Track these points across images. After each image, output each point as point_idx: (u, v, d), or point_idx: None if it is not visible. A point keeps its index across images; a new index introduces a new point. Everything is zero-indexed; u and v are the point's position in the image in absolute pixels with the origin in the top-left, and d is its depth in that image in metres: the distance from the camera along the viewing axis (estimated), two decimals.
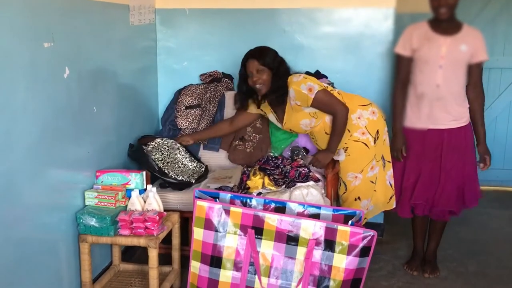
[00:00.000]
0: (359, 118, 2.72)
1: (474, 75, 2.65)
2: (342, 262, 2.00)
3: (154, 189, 2.43)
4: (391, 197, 2.82)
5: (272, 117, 2.83)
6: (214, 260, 2.09)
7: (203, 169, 3.00)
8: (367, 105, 2.77)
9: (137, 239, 2.27)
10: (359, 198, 2.77)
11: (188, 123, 3.20)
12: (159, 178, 2.82)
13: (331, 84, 3.03)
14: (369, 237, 1.99)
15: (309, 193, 2.55)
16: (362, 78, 3.13)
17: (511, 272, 2.94)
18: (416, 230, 2.93)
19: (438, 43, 2.59)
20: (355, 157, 2.74)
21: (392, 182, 2.81)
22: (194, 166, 2.98)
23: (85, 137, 2.41)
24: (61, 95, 2.18)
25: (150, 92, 3.33)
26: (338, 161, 2.80)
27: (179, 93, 3.27)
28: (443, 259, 3.02)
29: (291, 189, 2.59)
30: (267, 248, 2.05)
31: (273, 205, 2.22)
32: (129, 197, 2.40)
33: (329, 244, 2.01)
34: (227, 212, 2.07)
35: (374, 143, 2.72)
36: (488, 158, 2.73)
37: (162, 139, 2.97)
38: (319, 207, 2.18)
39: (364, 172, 2.73)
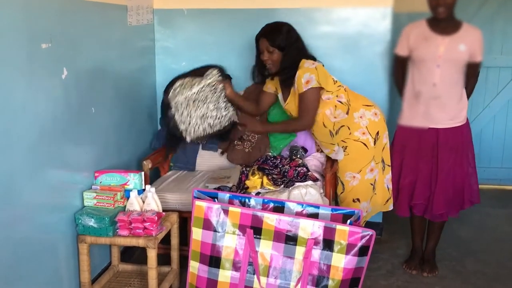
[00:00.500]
0: (361, 117, 2.71)
1: (473, 73, 2.66)
2: (340, 262, 2.00)
3: (153, 189, 2.43)
4: (387, 200, 2.83)
5: (280, 95, 2.81)
6: (213, 260, 2.09)
7: (227, 122, 2.88)
8: (370, 106, 2.76)
9: (136, 239, 2.27)
10: (358, 200, 2.76)
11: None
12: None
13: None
14: (368, 237, 1.99)
15: (307, 192, 2.55)
16: (360, 77, 3.13)
17: (510, 271, 2.94)
18: (415, 229, 2.94)
19: (436, 42, 2.59)
20: (354, 157, 2.73)
21: (390, 186, 2.81)
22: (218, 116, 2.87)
23: (84, 138, 2.41)
24: (59, 96, 2.18)
25: (149, 92, 3.33)
26: (336, 160, 2.80)
27: None
28: (442, 258, 3.02)
29: (290, 188, 2.59)
30: (266, 248, 2.06)
31: (271, 204, 2.22)
32: (128, 197, 2.40)
33: (328, 244, 2.01)
34: (226, 212, 2.08)
35: (374, 144, 2.71)
36: None
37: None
38: (317, 207, 2.18)
39: (363, 173, 2.72)
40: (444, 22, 2.60)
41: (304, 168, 2.71)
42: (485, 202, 3.08)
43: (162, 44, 3.37)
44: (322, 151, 3.03)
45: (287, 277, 2.04)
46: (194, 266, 2.14)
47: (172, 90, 2.82)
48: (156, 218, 2.28)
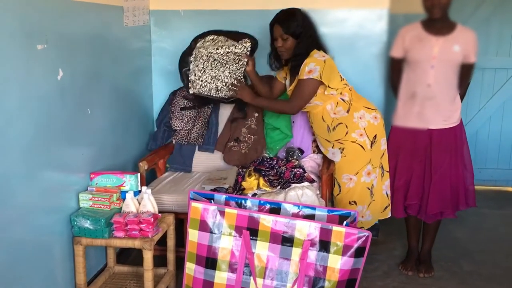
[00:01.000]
0: (360, 118, 2.71)
1: (466, 74, 2.67)
2: (337, 263, 2.00)
3: (149, 190, 2.42)
4: (386, 207, 2.82)
5: (287, 81, 2.81)
6: (209, 261, 2.09)
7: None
8: (372, 109, 2.76)
9: (132, 241, 2.27)
10: (354, 202, 2.76)
11: (183, 125, 3.19)
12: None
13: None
14: (364, 238, 1.99)
15: (304, 194, 2.56)
16: (357, 78, 3.13)
17: (506, 271, 2.95)
18: (410, 230, 2.94)
19: (430, 43, 2.60)
20: (350, 159, 2.72)
21: (389, 192, 2.80)
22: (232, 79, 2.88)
23: (79, 139, 2.40)
24: (54, 97, 2.17)
25: (145, 93, 3.33)
26: (333, 162, 2.80)
27: (173, 94, 3.27)
28: (438, 259, 3.03)
29: (286, 190, 2.59)
30: (262, 249, 2.05)
31: (268, 206, 2.22)
32: (124, 199, 2.39)
33: (324, 245, 2.01)
34: (222, 213, 2.07)
35: (371, 147, 2.70)
36: None
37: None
38: (314, 208, 2.18)
39: (359, 175, 2.72)
40: (438, 23, 2.61)
41: (301, 170, 2.71)
42: (481, 203, 3.09)
43: (159, 45, 3.36)
44: (318, 152, 3.04)
45: (283, 279, 2.04)
46: (190, 267, 2.13)
47: (202, 41, 2.85)
48: (152, 219, 2.27)
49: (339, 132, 2.71)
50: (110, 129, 2.76)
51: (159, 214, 2.41)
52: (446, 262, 3.04)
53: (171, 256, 2.60)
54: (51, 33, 2.12)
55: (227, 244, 2.08)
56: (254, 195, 2.56)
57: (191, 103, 3.14)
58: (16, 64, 1.91)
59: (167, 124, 3.22)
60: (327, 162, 2.83)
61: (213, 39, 2.86)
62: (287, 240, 2.04)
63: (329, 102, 2.66)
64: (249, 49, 2.86)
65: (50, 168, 2.16)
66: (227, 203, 2.21)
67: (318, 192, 2.66)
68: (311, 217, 2.14)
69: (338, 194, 2.80)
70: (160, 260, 2.65)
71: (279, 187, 2.61)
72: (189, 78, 2.85)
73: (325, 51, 2.67)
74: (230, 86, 2.84)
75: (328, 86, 2.61)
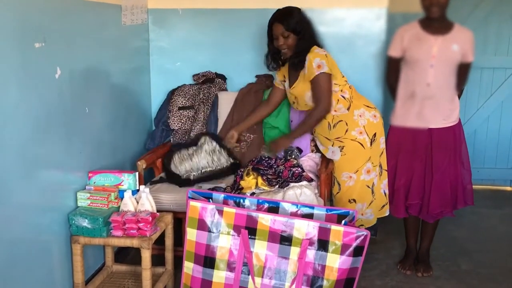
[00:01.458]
0: (360, 116, 2.72)
1: (464, 73, 2.67)
2: (335, 262, 2.00)
3: (147, 189, 2.42)
4: (383, 206, 2.82)
5: (286, 83, 2.82)
6: (208, 260, 2.09)
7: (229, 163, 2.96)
8: (371, 107, 2.78)
9: (130, 240, 2.26)
10: (354, 200, 2.76)
11: (181, 124, 3.19)
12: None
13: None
14: (362, 237, 1.99)
15: (302, 193, 2.55)
16: (355, 77, 3.12)
17: (504, 270, 2.95)
18: (409, 229, 2.95)
19: (429, 42, 2.61)
20: (350, 157, 2.73)
21: (387, 191, 2.81)
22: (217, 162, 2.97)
23: (77, 138, 2.40)
24: (52, 96, 2.17)
25: (143, 92, 3.32)
26: (331, 160, 2.80)
27: (172, 93, 3.26)
28: (436, 258, 3.03)
29: (285, 189, 2.58)
30: (260, 248, 2.05)
31: (266, 205, 2.21)
32: (122, 198, 2.39)
33: (323, 244, 2.01)
34: (220, 212, 2.07)
35: (370, 145, 2.71)
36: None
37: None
38: (312, 207, 2.18)
39: (359, 173, 2.72)
40: (436, 22, 2.61)
41: (299, 169, 2.70)
42: (479, 203, 3.10)
43: (157, 44, 3.36)
44: (316, 152, 3.04)
45: (281, 278, 2.04)
46: (188, 266, 2.13)
47: (172, 165, 2.90)
48: (150, 218, 2.27)
49: (339, 130, 2.72)
50: (108, 127, 2.75)
51: (157, 213, 2.40)
52: (444, 261, 3.04)
53: (169, 255, 2.59)
54: (49, 31, 2.11)
55: (225, 243, 2.07)
56: (253, 194, 2.55)
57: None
58: (14, 62, 1.90)
59: (165, 123, 3.21)
60: (326, 161, 2.83)
61: (179, 157, 2.94)
62: (285, 239, 2.04)
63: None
64: (211, 140, 3.00)
65: (47, 167, 2.16)
66: (225, 202, 2.20)
67: (316, 191, 2.65)
68: (309, 216, 2.14)
69: (337, 193, 2.80)
70: (158, 259, 2.64)
71: (277, 186, 2.61)
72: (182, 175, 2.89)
73: (322, 48, 2.71)
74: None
75: (334, 82, 2.66)
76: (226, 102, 3.22)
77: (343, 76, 2.75)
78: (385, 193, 2.80)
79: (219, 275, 2.08)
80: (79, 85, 2.39)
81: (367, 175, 2.73)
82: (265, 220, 2.05)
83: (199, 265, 2.11)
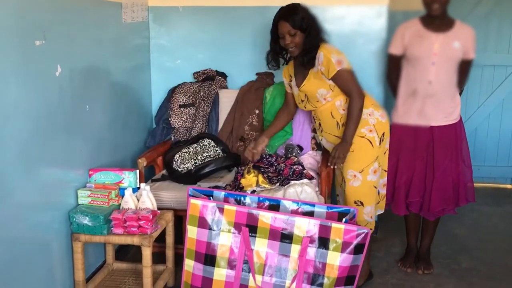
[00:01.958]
0: (369, 114, 2.60)
1: (465, 71, 2.67)
2: (336, 260, 2.00)
3: (148, 187, 2.42)
4: (377, 203, 2.71)
5: (293, 82, 2.71)
6: (208, 258, 2.09)
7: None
8: (379, 107, 2.68)
9: (131, 237, 2.26)
10: (361, 203, 2.58)
11: (182, 122, 3.19)
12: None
13: None
14: (363, 235, 1.99)
15: (303, 190, 2.55)
16: (356, 75, 3.13)
17: (504, 268, 2.95)
18: (409, 227, 2.94)
19: (431, 40, 2.60)
20: (358, 154, 2.57)
21: (383, 192, 2.71)
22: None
23: (78, 136, 2.40)
24: (53, 94, 2.17)
25: (144, 90, 3.32)
26: None
27: (172, 91, 3.26)
28: (437, 255, 3.03)
29: (285, 187, 2.58)
30: (261, 246, 2.05)
31: (267, 203, 2.21)
32: (123, 195, 2.39)
33: (323, 242, 2.01)
34: (221, 210, 2.07)
35: (379, 144, 2.60)
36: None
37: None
38: (313, 205, 2.18)
39: (365, 173, 2.56)
40: (438, 19, 2.61)
41: (300, 166, 2.70)
42: (479, 200, 3.09)
43: (157, 42, 3.35)
44: (317, 149, 3.03)
45: (282, 275, 2.04)
46: (189, 264, 2.13)
47: (174, 164, 2.92)
48: (151, 216, 2.27)
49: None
50: (109, 125, 2.75)
51: (158, 211, 2.40)
52: (444, 259, 3.04)
53: (170, 253, 2.60)
54: (49, 29, 2.11)
55: (226, 241, 2.08)
56: (253, 192, 2.55)
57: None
58: (14, 60, 1.90)
59: (166, 121, 3.21)
60: (326, 159, 2.82)
61: (180, 156, 2.95)
62: (286, 237, 2.04)
63: (339, 98, 2.57)
64: (213, 144, 3.03)
65: (48, 165, 2.16)
66: (226, 200, 2.20)
67: (317, 189, 2.65)
68: (310, 214, 2.14)
69: (343, 189, 2.66)
70: (159, 257, 2.64)
71: (278, 184, 2.61)
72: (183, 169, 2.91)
73: (328, 42, 2.62)
74: (330, 160, 2.63)
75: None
76: (226, 100, 3.22)
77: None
78: (379, 193, 2.69)
79: (220, 273, 2.09)
80: (79, 83, 2.39)
81: (373, 175, 2.59)
82: (266, 218, 2.05)
83: (199, 262, 2.11)
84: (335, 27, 3.16)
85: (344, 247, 2.00)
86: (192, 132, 3.18)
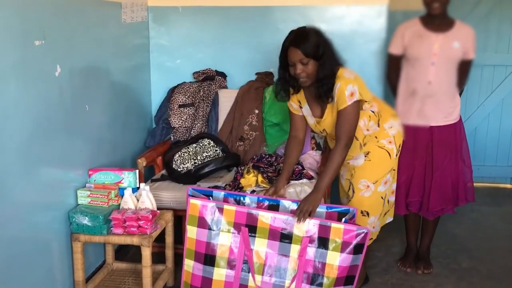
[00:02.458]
0: (390, 127, 2.45)
1: (464, 71, 2.67)
2: (335, 260, 2.00)
3: (147, 187, 2.42)
4: (386, 213, 2.62)
5: (306, 109, 2.40)
6: (208, 258, 2.09)
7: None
8: (396, 115, 2.53)
9: (130, 237, 2.26)
10: (367, 213, 2.46)
11: (182, 122, 3.19)
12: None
13: None
14: (363, 234, 1.99)
15: (302, 190, 2.55)
16: None
17: (504, 268, 2.95)
18: (409, 227, 2.95)
19: (430, 40, 2.60)
20: (375, 164, 2.43)
21: (391, 198, 2.62)
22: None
23: (78, 136, 2.40)
24: (52, 93, 2.16)
25: (143, 90, 3.32)
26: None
27: (172, 91, 3.26)
28: (436, 255, 3.03)
29: (285, 187, 2.58)
30: (260, 246, 2.05)
31: (266, 203, 2.21)
32: (122, 195, 2.39)
33: (323, 242, 2.01)
34: (221, 210, 2.07)
35: (396, 156, 2.49)
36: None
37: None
38: None
39: (377, 184, 2.44)
40: (438, 19, 2.61)
41: (299, 166, 2.71)
42: (479, 200, 3.09)
43: (157, 42, 3.35)
44: (317, 149, 3.03)
45: (282, 275, 2.04)
46: (188, 264, 2.13)
47: (174, 164, 2.91)
48: (151, 216, 2.27)
49: (369, 144, 2.45)
50: (108, 125, 2.75)
51: (158, 211, 2.40)
52: (444, 259, 3.04)
53: (169, 253, 2.60)
54: (49, 29, 2.11)
55: (225, 241, 2.08)
56: (253, 192, 2.56)
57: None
58: (13, 60, 1.90)
59: (165, 121, 3.21)
60: (326, 159, 2.81)
61: (180, 156, 2.95)
62: (285, 237, 2.04)
63: (362, 118, 2.36)
64: (213, 145, 3.03)
65: (48, 165, 2.16)
66: (225, 200, 2.20)
67: None
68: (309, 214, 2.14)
69: (349, 199, 2.53)
70: (158, 257, 2.64)
71: None
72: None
73: (343, 64, 2.32)
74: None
75: (365, 101, 2.33)
76: (226, 100, 3.22)
77: (368, 89, 2.39)
78: (388, 201, 2.61)
79: (220, 273, 2.09)
80: (79, 83, 2.38)
81: (384, 186, 2.47)
82: (266, 218, 2.05)
83: (199, 262, 2.11)
84: (335, 27, 3.17)
85: (343, 247, 2.00)
86: (192, 132, 3.18)
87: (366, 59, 3.18)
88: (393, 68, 2.77)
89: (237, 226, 2.06)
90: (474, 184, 2.85)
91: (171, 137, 3.20)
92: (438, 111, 2.66)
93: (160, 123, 3.23)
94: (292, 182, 2.59)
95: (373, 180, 2.44)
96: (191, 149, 2.97)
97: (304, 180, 2.60)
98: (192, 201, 2.10)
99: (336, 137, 2.28)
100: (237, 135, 3.14)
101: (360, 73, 3.14)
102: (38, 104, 2.06)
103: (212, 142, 3.04)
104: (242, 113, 3.15)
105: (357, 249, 2.00)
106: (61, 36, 2.21)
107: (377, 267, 2.93)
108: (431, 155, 2.70)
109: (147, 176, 2.97)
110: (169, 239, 2.57)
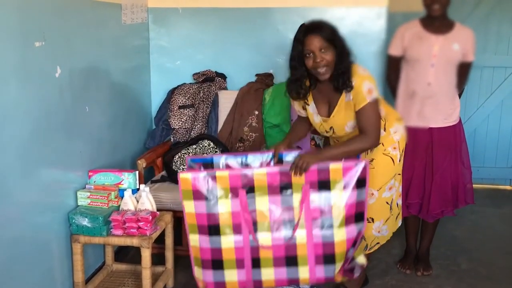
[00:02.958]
0: (395, 132, 2.40)
1: (464, 73, 2.67)
2: (340, 199, 1.99)
3: (147, 188, 2.42)
4: (396, 217, 2.56)
5: (312, 107, 2.31)
6: (212, 228, 2.02)
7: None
8: (401, 119, 2.47)
9: (130, 239, 2.26)
10: (372, 219, 2.42)
11: (182, 123, 3.19)
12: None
13: None
14: (362, 168, 1.99)
15: None
16: None
17: (503, 270, 2.95)
18: (409, 228, 2.94)
19: (430, 41, 2.60)
20: (378, 173, 2.37)
21: (400, 202, 2.57)
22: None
23: (78, 137, 2.40)
24: (53, 95, 2.17)
25: (143, 91, 3.32)
26: None
27: (172, 92, 3.26)
28: (436, 257, 3.03)
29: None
30: (262, 204, 2.00)
31: (270, 159, 2.20)
32: (122, 197, 2.39)
33: (324, 184, 1.99)
34: (213, 178, 1.99)
35: (399, 161, 2.43)
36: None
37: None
38: None
39: (381, 191, 2.41)
40: (437, 21, 2.61)
41: None
42: (479, 202, 3.09)
43: (157, 43, 3.36)
44: (316, 147, 3.03)
45: (290, 227, 2.01)
46: (194, 239, 2.05)
47: (174, 165, 2.93)
48: (150, 217, 2.27)
49: (375, 151, 2.39)
50: (108, 126, 2.75)
51: (157, 212, 2.40)
52: (444, 260, 3.04)
53: (169, 254, 2.59)
54: (49, 30, 2.11)
55: (225, 208, 2.00)
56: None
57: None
58: (14, 61, 1.90)
59: (165, 122, 3.21)
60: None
61: (179, 156, 2.99)
62: (285, 188, 2.00)
63: None
64: (213, 146, 3.06)
65: (48, 166, 2.16)
66: (227, 166, 2.18)
67: None
68: None
69: None
70: (158, 258, 2.64)
71: None
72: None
73: (354, 60, 2.25)
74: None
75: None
76: (226, 101, 3.22)
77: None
78: (397, 204, 2.56)
79: (227, 240, 2.02)
80: (79, 84, 2.39)
81: (388, 192, 2.43)
82: (261, 174, 1.99)
83: (204, 235, 2.03)
84: None
85: (346, 185, 1.98)
86: (192, 133, 3.18)
87: (366, 60, 3.14)
88: (392, 69, 2.78)
89: (233, 190, 2.00)
90: (474, 185, 2.85)
91: (171, 138, 3.20)
92: (438, 113, 2.66)
93: (160, 124, 3.23)
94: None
95: (377, 187, 2.40)
96: (191, 150, 2.97)
97: None
98: (182, 175, 2.00)
99: (361, 132, 2.19)
100: (237, 136, 3.15)
101: None
102: (38, 105, 2.06)
103: (212, 143, 3.04)
104: (242, 114, 3.15)
105: (360, 183, 1.99)
106: (61, 37, 2.21)
107: (376, 269, 2.93)
108: (431, 156, 2.70)
109: (147, 177, 2.97)
110: (169, 240, 2.57)
